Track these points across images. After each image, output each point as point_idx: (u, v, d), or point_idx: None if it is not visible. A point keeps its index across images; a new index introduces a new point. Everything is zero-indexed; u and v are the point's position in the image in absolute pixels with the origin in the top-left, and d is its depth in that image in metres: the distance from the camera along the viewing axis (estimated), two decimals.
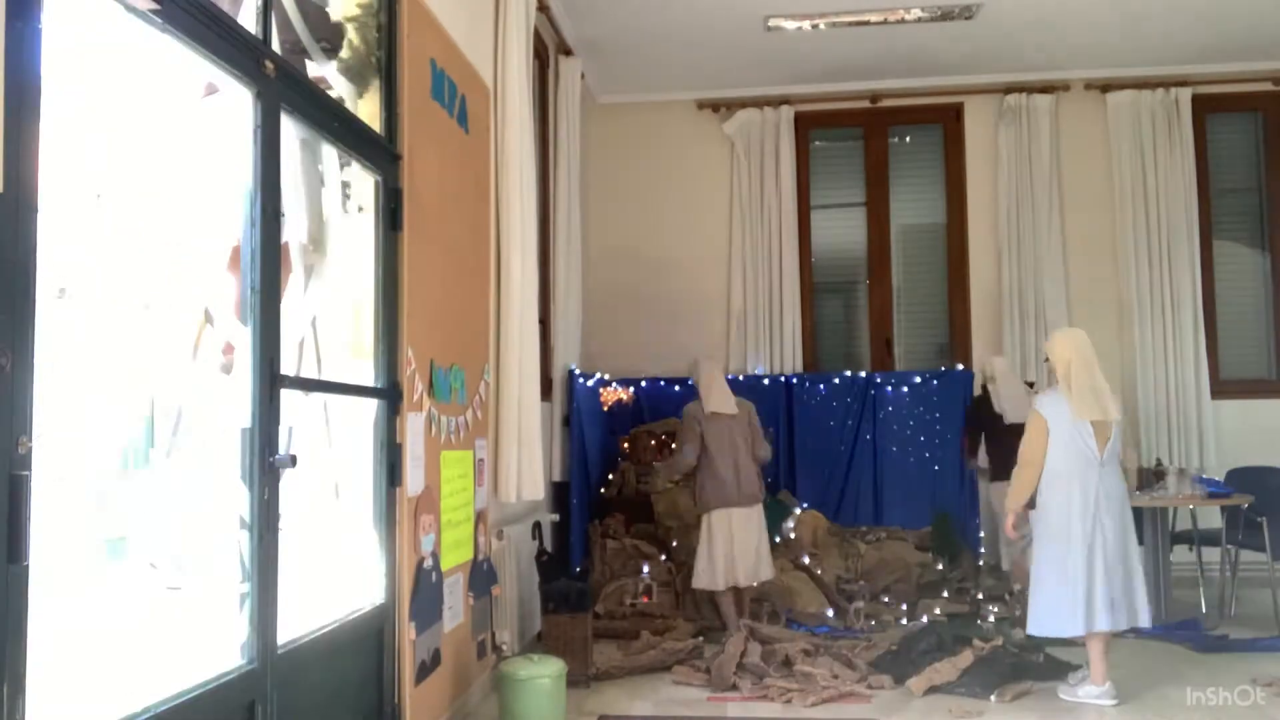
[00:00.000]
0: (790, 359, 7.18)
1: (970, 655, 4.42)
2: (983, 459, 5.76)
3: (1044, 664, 4.49)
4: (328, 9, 3.35)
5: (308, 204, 3.17)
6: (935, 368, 7.15)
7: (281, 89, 2.72)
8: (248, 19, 2.61)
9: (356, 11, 3.45)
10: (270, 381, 2.62)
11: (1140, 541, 5.70)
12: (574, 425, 6.21)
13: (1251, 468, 6.08)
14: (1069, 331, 4.46)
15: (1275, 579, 5.43)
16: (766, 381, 6.99)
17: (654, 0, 5.87)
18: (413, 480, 3.49)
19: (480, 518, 4.29)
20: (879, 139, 7.48)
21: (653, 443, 6.73)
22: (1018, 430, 4.49)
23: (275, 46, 2.72)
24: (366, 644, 3.27)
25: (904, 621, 5.40)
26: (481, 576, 4.27)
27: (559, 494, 6.11)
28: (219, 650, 2.48)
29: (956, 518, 6.40)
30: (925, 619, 5.30)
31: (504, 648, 4.44)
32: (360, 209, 3.45)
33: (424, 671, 3.59)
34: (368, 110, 3.44)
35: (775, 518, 6.39)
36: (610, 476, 6.61)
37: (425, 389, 3.64)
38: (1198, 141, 7.08)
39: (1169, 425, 6.89)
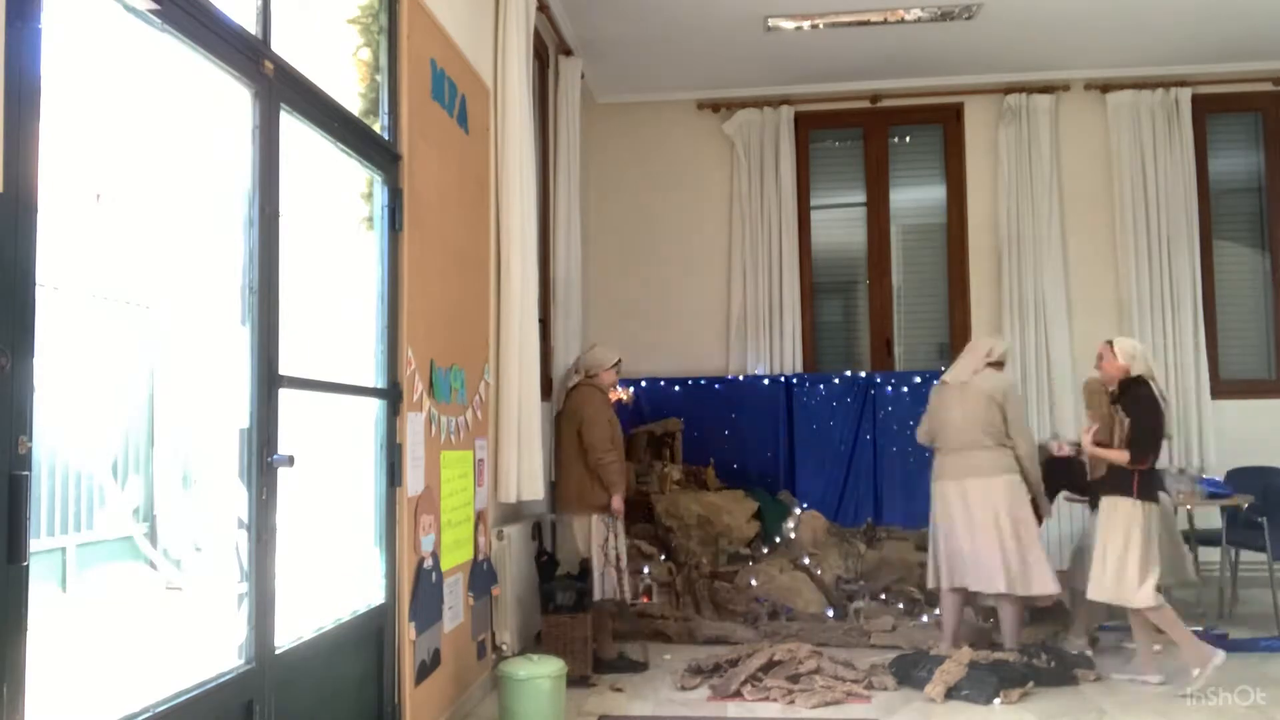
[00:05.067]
0: (790, 359, 7.18)
1: (970, 651, 4.43)
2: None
3: (1053, 670, 4.41)
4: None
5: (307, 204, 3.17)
6: (935, 368, 7.14)
7: (281, 89, 2.72)
8: (247, 19, 2.61)
9: (356, 12, 3.45)
10: (268, 381, 2.63)
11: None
12: None
13: (1251, 468, 6.08)
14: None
15: (1275, 579, 5.43)
16: (766, 381, 7.00)
17: (654, 0, 5.87)
18: (413, 480, 3.49)
19: (480, 518, 4.29)
20: (879, 139, 7.48)
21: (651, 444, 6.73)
22: None
23: (275, 46, 2.72)
24: (366, 644, 3.27)
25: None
26: (481, 576, 4.27)
27: None
28: (217, 650, 2.47)
29: None
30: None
31: (504, 648, 4.44)
32: (360, 209, 3.45)
33: (424, 671, 3.59)
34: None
35: (775, 518, 6.40)
36: None
37: (425, 389, 3.65)
38: (1198, 141, 7.08)
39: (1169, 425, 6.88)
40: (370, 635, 3.29)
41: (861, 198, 7.49)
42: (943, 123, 7.44)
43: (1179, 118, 7.05)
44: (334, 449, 3.30)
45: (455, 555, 3.94)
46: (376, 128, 3.44)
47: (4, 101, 1.70)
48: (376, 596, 3.34)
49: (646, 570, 5.74)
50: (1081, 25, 6.33)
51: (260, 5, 2.69)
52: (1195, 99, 7.07)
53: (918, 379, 6.84)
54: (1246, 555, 5.78)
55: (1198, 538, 5.92)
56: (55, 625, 2.16)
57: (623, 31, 6.30)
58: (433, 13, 3.81)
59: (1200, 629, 5.22)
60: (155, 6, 2.15)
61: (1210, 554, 6.01)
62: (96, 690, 2.16)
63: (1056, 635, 5.09)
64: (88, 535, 2.42)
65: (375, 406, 3.41)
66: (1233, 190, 7.26)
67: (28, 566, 1.73)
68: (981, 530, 4.67)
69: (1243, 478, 5.99)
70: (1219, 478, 6.07)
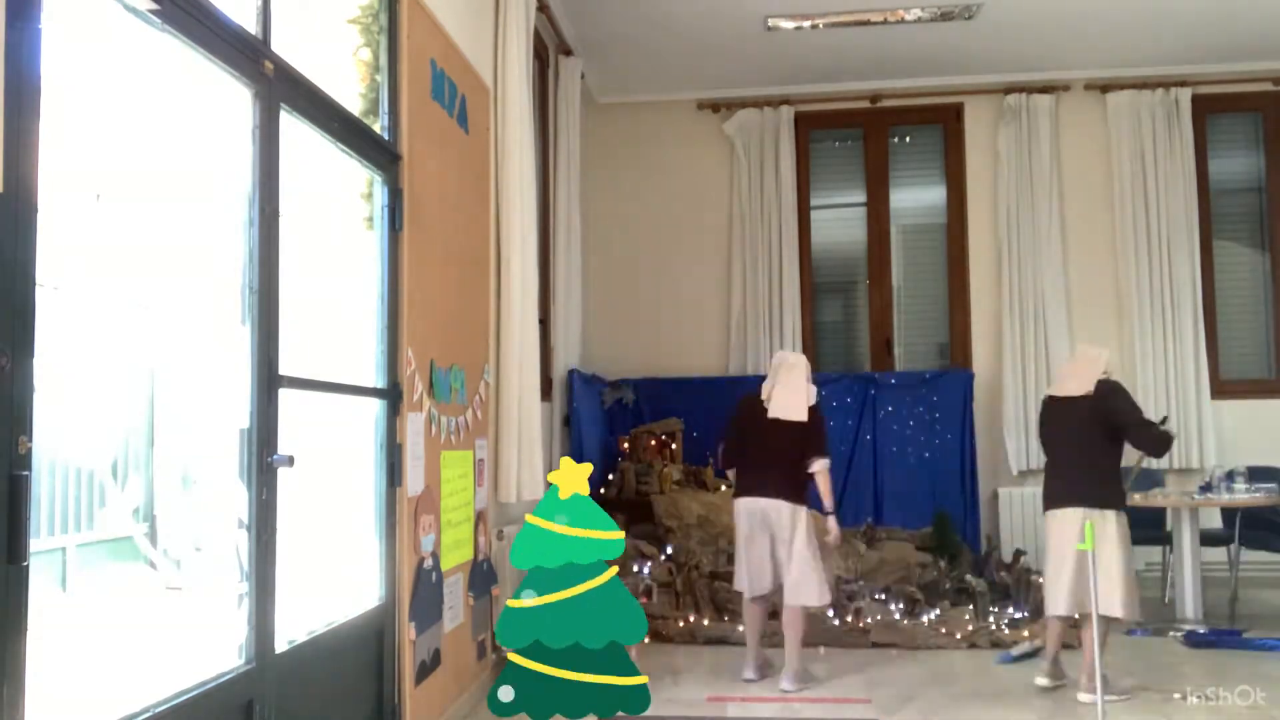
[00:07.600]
0: None
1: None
2: None
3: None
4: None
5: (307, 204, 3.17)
6: (935, 368, 7.15)
7: (281, 88, 2.72)
8: (247, 19, 2.61)
9: (356, 12, 3.45)
10: (268, 381, 2.63)
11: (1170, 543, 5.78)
12: (574, 425, 6.21)
13: (1252, 468, 6.07)
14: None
15: None
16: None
17: (654, 0, 5.87)
18: (413, 480, 3.49)
19: (480, 518, 4.29)
20: (879, 139, 7.48)
21: (653, 442, 6.72)
22: None
23: (275, 46, 2.72)
24: (366, 644, 3.27)
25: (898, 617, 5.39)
26: (481, 576, 4.27)
27: None
28: (217, 650, 2.47)
29: (956, 518, 6.40)
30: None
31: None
32: (360, 209, 3.45)
33: (424, 671, 3.59)
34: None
35: None
36: (610, 476, 6.61)
37: (425, 389, 3.64)
38: (1198, 141, 7.08)
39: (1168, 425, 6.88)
40: (370, 635, 3.29)
41: (861, 198, 7.49)
42: (943, 123, 7.44)
43: (1179, 118, 7.06)
44: (334, 449, 3.30)
45: (455, 555, 3.94)
46: (376, 128, 3.44)
47: (4, 101, 1.70)
48: (376, 596, 3.34)
49: (647, 570, 5.74)
50: (1081, 25, 6.34)
51: (260, 5, 2.68)
52: (1195, 99, 7.08)
53: (918, 379, 6.85)
54: (1246, 555, 5.78)
55: (1202, 537, 5.92)
56: (55, 625, 2.16)
57: (623, 31, 6.30)
58: (433, 13, 3.81)
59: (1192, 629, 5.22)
60: (155, 6, 2.15)
61: (1208, 554, 5.99)
62: (96, 690, 2.16)
63: None
64: (88, 535, 2.41)
65: (375, 406, 3.41)
66: (1233, 190, 7.27)
67: (28, 566, 1.73)
68: None
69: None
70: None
